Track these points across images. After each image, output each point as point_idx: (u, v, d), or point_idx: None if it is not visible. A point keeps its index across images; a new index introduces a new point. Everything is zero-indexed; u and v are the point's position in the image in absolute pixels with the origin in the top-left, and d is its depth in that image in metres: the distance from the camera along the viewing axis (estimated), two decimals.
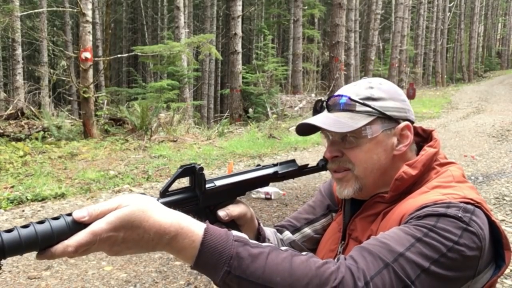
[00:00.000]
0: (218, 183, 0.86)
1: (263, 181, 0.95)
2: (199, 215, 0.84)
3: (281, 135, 9.15)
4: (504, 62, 41.64)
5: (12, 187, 5.08)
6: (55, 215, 0.66)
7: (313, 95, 16.34)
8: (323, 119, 0.95)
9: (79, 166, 6.19)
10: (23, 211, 4.39)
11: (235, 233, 0.72)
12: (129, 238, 0.67)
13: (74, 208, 4.51)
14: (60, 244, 0.64)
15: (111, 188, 5.24)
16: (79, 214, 0.66)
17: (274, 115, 12.03)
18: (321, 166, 1.01)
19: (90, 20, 8.02)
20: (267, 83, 13.37)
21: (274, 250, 0.72)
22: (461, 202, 0.81)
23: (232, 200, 0.91)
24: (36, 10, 13.70)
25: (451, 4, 30.73)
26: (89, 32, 7.87)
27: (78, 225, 0.65)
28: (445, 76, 29.79)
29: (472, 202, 0.82)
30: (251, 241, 0.72)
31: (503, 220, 3.96)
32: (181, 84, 12.08)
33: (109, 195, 4.98)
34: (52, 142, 7.36)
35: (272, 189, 4.92)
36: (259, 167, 0.97)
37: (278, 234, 1.19)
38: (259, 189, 4.89)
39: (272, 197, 4.79)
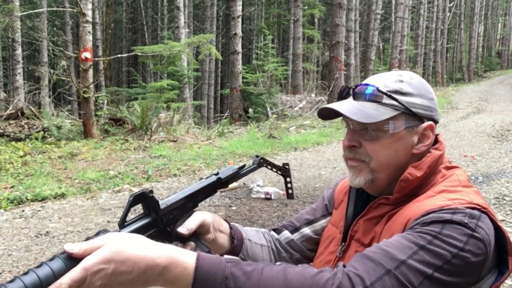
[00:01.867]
0: (170, 201, 0.88)
1: (211, 189, 0.98)
2: (162, 237, 0.85)
3: (281, 135, 9.15)
4: (504, 62, 41.63)
5: (12, 187, 5.09)
6: (51, 258, 0.67)
7: (313, 95, 16.34)
8: (347, 106, 0.93)
9: (79, 166, 6.19)
10: (23, 211, 4.39)
11: (227, 256, 0.73)
12: (119, 271, 0.66)
13: (74, 208, 4.51)
14: (53, 284, 0.63)
15: (111, 188, 5.24)
16: (70, 247, 0.67)
17: (274, 115, 12.03)
18: (257, 164, 1.08)
19: (90, 20, 8.02)
20: (267, 83, 13.38)
21: (268, 265, 0.72)
22: (467, 207, 0.80)
23: (189, 214, 0.91)
24: (36, 10, 13.70)
25: (451, 4, 30.72)
26: (89, 32, 7.87)
27: (73, 262, 0.66)
28: (445, 76, 29.78)
29: (478, 207, 0.81)
30: (244, 261, 0.73)
31: (503, 220, 3.96)
32: (181, 84, 12.08)
33: (109, 195, 4.99)
34: (52, 142, 7.36)
35: (272, 189, 4.92)
36: (203, 179, 0.99)
37: (275, 234, 1.18)
38: (259, 189, 4.92)
39: (272, 197, 4.79)
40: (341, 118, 0.97)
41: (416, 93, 0.92)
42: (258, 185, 5.02)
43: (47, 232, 3.82)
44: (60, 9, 14.55)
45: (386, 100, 0.91)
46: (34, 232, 3.82)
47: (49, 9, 15.51)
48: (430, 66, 28.55)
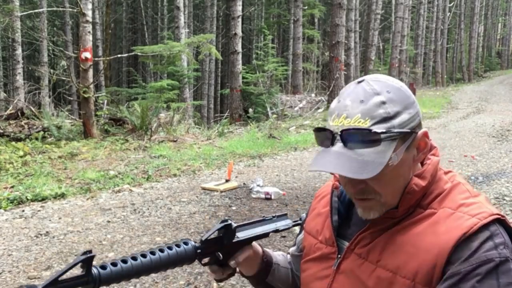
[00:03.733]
0: (240, 235, 1.00)
1: (268, 233, 1.08)
2: (215, 260, 0.98)
3: (281, 135, 9.15)
4: (504, 62, 41.65)
5: (12, 187, 5.09)
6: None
7: (313, 95, 16.35)
8: (346, 163, 0.82)
9: (79, 166, 6.19)
10: (23, 211, 4.39)
11: None
12: None
13: (74, 208, 4.51)
14: None
15: (111, 188, 5.24)
16: None
17: (274, 115, 12.04)
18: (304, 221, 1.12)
19: (90, 20, 8.02)
20: (267, 83, 13.38)
21: None
22: (492, 220, 0.82)
23: (243, 248, 1.03)
24: (36, 10, 13.71)
25: (451, 4, 30.72)
26: (89, 32, 7.87)
27: None
28: (445, 76, 29.79)
29: (499, 216, 0.83)
30: None
31: None
32: (181, 84, 12.08)
33: (109, 195, 4.99)
34: (52, 142, 7.36)
35: (272, 189, 4.92)
36: (272, 218, 1.09)
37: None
38: (259, 189, 4.92)
39: (272, 197, 4.79)
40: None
41: (402, 108, 0.85)
42: (258, 185, 5.02)
43: (47, 232, 3.82)
44: (60, 9, 14.55)
45: (382, 135, 0.82)
46: (34, 232, 3.82)
47: (49, 9, 15.51)
48: (430, 66, 28.56)
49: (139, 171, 6.05)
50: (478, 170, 6.00)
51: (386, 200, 0.88)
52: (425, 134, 0.90)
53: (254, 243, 1.07)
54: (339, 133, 0.84)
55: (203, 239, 0.92)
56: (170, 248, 0.87)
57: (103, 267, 0.79)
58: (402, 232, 0.88)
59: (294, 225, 1.13)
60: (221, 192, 5.06)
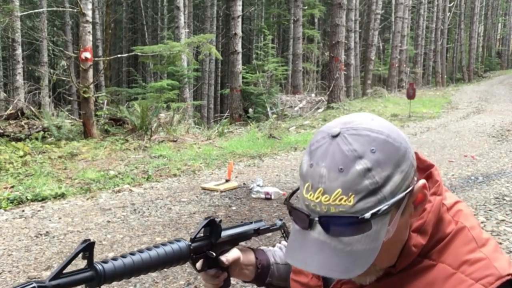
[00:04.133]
0: (226, 234, 1.00)
1: (251, 235, 1.09)
2: (208, 261, 0.97)
3: (281, 135, 9.15)
4: (504, 62, 41.65)
5: (12, 187, 5.09)
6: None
7: (313, 95, 16.35)
8: (332, 259, 0.67)
9: (79, 166, 6.19)
10: (23, 211, 4.39)
11: None
12: None
13: (74, 208, 4.51)
14: None
15: (111, 188, 5.24)
16: None
17: (274, 115, 12.04)
18: (279, 227, 1.14)
19: (90, 20, 8.02)
20: (267, 83, 13.39)
21: None
22: (501, 283, 0.70)
23: (229, 249, 1.01)
24: (36, 10, 13.71)
25: (451, 4, 30.72)
26: (89, 32, 7.87)
27: None
28: (445, 76, 29.79)
29: (510, 278, 0.71)
30: None
31: (503, 220, 3.97)
32: (181, 84, 12.08)
33: (109, 195, 4.99)
34: (52, 142, 7.36)
35: (272, 189, 4.92)
36: (250, 224, 1.10)
37: None
38: (259, 189, 4.92)
39: (272, 197, 4.79)
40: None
41: (392, 169, 0.67)
42: (258, 185, 5.02)
43: (47, 232, 3.82)
44: (60, 9, 14.55)
45: (373, 219, 0.66)
46: (34, 232, 3.82)
47: (49, 9, 15.51)
48: (430, 66, 28.56)
49: (139, 171, 6.06)
50: (478, 170, 6.00)
51: (383, 266, 0.75)
52: (424, 187, 0.73)
53: (246, 253, 1.05)
54: (317, 218, 0.68)
55: (193, 237, 0.92)
56: (165, 245, 0.87)
57: (105, 262, 0.79)
58: (393, 280, 0.76)
59: (272, 227, 1.15)
60: (221, 192, 5.06)
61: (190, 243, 0.91)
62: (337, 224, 0.66)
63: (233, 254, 0.99)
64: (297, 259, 0.70)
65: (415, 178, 0.72)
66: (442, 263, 0.74)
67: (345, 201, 0.65)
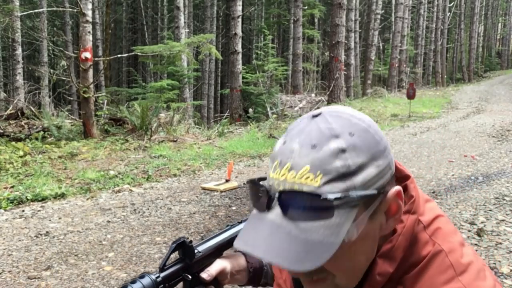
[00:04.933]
0: (203, 251, 0.96)
1: (233, 239, 1.06)
2: (192, 283, 0.94)
3: (281, 135, 9.14)
4: (504, 62, 41.66)
5: (12, 187, 5.09)
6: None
7: (313, 95, 16.35)
8: (283, 244, 0.59)
9: (79, 166, 6.19)
10: (23, 211, 4.39)
11: None
12: None
13: (74, 208, 4.51)
14: None
15: (111, 188, 5.24)
16: None
17: (274, 115, 12.04)
18: None
19: (90, 20, 8.02)
20: (267, 83, 13.39)
21: None
22: None
23: (211, 261, 0.98)
24: (36, 10, 13.70)
25: (451, 4, 30.73)
26: (89, 32, 7.87)
27: None
28: (445, 76, 29.80)
29: None
30: None
31: (503, 220, 3.96)
32: (181, 84, 12.08)
33: (109, 195, 4.99)
34: (52, 142, 7.36)
35: None
36: (230, 227, 1.05)
37: None
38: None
39: None
40: None
41: (367, 158, 0.61)
42: None
43: (47, 232, 3.82)
44: (60, 9, 14.55)
45: (337, 202, 0.59)
46: (34, 232, 3.82)
47: (49, 9, 15.51)
48: (430, 66, 28.56)
49: (139, 171, 6.06)
50: (478, 170, 6.00)
51: (341, 281, 0.65)
52: (398, 194, 0.65)
53: (235, 258, 1.03)
54: (277, 194, 0.61)
55: (160, 266, 0.88)
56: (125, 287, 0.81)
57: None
58: None
59: None
60: (221, 192, 5.06)
61: (157, 275, 0.86)
62: (297, 202, 0.59)
63: (215, 267, 0.94)
64: (246, 242, 0.63)
65: (392, 185, 0.66)
66: None
67: (311, 180, 0.58)
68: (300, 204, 0.59)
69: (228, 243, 1.01)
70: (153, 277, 0.85)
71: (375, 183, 0.61)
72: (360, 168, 0.60)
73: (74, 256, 3.32)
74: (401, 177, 0.73)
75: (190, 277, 0.92)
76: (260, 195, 0.64)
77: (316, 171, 0.59)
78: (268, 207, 0.62)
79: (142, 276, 0.84)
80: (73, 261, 3.23)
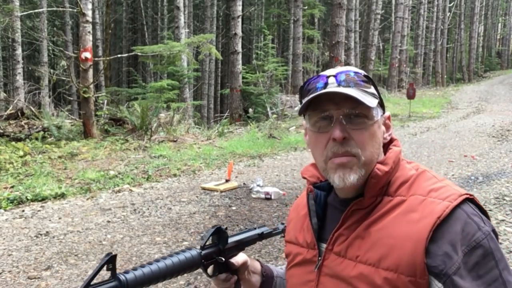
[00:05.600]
0: (233, 240, 1.07)
1: (255, 240, 1.16)
2: (219, 266, 1.04)
3: (281, 135, 9.15)
4: (504, 62, 41.64)
5: (12, 187, 5.09)
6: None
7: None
8: (346, 90, 0.86)
9: (79, 166, 6.19)
10: (23, 211, 4.39)
11: None
12: None
13: (74, 208, 4.51)
14: None
15: (111, 188, 5.24)
16: None
17: (274, 115, 12.03)
18: (281, 230, 1.20)
19: (90, 20, 8.02)
20: (267, 83, 13.37)
21: None
22: (462, 200, 0.84)
23: (236, 254, 1.08)
24: (36, 10, 13.70)
25: (451, 4, 30.72)
26: (89, 32, 7.87)
27: None
28: (445, 76, 29.79)
29: (468, 195, 0.85)
30: None
31: (503, 220, 3.96)
32: (181, 84, 12.08)
33: (109, 195, 4.99)
34: (52, 142, 7.36)
35: (272, 189, 4.92)
36: (255, 228, 1.17)
37: None
38: (259, 189, 4.91)
39: (272, 197, 4.79)
40: (312, 113, 0.91)
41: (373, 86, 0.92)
42: (258, 185, 5.02)
43: (47, 232, 3.82)
44: (60, 9, 14.55)
45: (368, 87, 0.89)
46: (34, 232, 3.82)
47: (49, 9, 15.51)
48: (430, 66, 28.55)
49: (139, 171, 6.05)
50: (478, 170, 6.00)
51: (365, 159, 0.88)
52: (389, 117, 0.96)
53: (252, 260, 1.12)
54: (334, 74, 0.89)
55: (202, 245, 0.98)
56: (178, 254, 0.93)
57: (127, 272, 0.86)
58: (376, 223, 0.87)
59: (274, 231, 1.19)
60: (221, 192, 5.06)
61: (200, 250, 0.97)
62: (349, 77, 0.89)
63: (241, 257, 1.06)
64: (324, 91, 0.88)
65: (390, 119, 0.97)
66: (412, 195, 0.87)
67: (359, 79, 0.90)
68: (351, 78, 0.89)
69: (250, 241, 1.13)
70: (199, 251, 0.96)
71: (380, 98, 0.92)
72: (372, 85, 0.92)
73: (74, 256, 3.32)
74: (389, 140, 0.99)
75: (223, 259, 1.01)
76: (315, 84, 0.91)
77: (353, 75, 0.91)
78: (325, 87, 0.89)
79: (190, 248, 0.95)
80: (73, 261, 3.23)
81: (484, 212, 0.86)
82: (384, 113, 0.94)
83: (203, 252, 0.97)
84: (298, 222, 1.05)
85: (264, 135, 9.13)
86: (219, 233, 1.01)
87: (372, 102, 0.86)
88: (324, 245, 0.94)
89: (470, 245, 0.79)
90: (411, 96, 12.41)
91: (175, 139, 8.25)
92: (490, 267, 0.79)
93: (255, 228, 1.17)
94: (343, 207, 0.92)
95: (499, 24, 45.53)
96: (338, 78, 0.88)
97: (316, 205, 0.99)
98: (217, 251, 1.01)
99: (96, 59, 9.55)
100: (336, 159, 0.88)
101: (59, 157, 6.49)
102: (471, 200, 0.85)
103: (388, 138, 0.95)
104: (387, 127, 0.96)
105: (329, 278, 0.91)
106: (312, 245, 0.97)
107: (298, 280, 0.99)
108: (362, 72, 0.92)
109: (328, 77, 0.89)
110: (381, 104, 0.93)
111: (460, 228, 0.80)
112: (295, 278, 1.00)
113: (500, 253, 0.81)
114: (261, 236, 1.16)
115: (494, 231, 0.83)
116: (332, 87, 0.87)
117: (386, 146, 0.96)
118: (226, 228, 1.02)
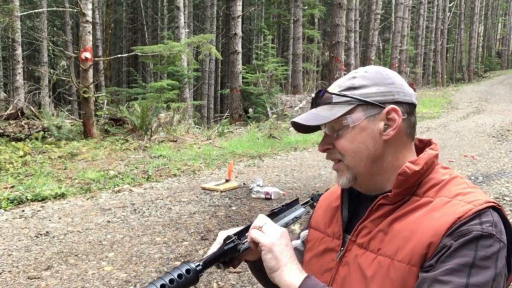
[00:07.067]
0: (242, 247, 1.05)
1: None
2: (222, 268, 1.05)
3: (281, 135, 9.15)
4: (504, 62, 41.62)
5: (12, 187, 5.09)
6: None
7: (313, 95, 16.32)
8: (305, 116, 0.97)
9: (79, 166, 6.19)
10: (23, 211, 4.39)
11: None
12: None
13: (74, 208, 4.51)
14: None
15: (111, 188, 5.24)
16: None
17: (274, 115, 12.03)
18: (312, 198, 1.20)
19: (90, 20, 8.02)
20: (267, 83, 13.37)
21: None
22: (487, 206, 0.84)
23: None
24: (36, 10, 13.71)
25: (451, 4, 30.72)
26: (89, 32, 7.87)
27: None
28: (445, 76, 29.78)
29: (495, 204, 0.85)
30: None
31: None
32: (181, 84, 12.07)
33: (109, 195, 4.99)
34: (52, 142, 7.36)
35: (272, 189, 4.92)
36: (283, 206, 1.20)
37: None
38: (259, 189, 4.91)
39: (272, 197, 4.79)
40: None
41: (370, 83, 0.93)
42: (258, 185, 5.02)
43: (47, 232, 3.82)
44: (60, 9, 14.55)
45: (336, 99, 0.94)
46: (34, 232, 3.82)
47: (49, 9, 15.51)
48: (430, 66, 28.55)
49: (139, 171, 6.05)
50: (478, 170, 6.00)
51: (349, 163, 0.95)
52: (393, 110, 0.92)
53: None
54: (316, 96, 1.01)
55: (206, 261, 0.95)
56: (180, 276, 0.89)
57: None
58: (400, 219, 0.89)
59: (308, 203, 1.19)
60: (221, 192, 5.06)
61: (199, 268, 0.93)
62: (319, 98, 0.98)
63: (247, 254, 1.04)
64: (293, 121, 0.99)
65: (397, 112, 0.92)
66: (439, 197, 0.89)
67: (333, 89, 0.97)
68: (320, 99, 0.98)
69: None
70: (194, 265, 0.93)
71: (373, 97, 0.93)
72: (361, 87, 0.94)
73: (74, 256, 3.32)
74: (424, 142, 1.02)
75: (222, 266, 1.02)
76: (312, 104, 1.01)
77: (335, 86, 0.97)
78: (312, 107, 1.01)
79: (188, 271, 0.91)
80: (73, 261, 3.23)
81: (507, 225, 0.85)
82: (378, 112, 0.92)
83: (202, 268, 0.94)
84: (328, 212, 1.09)
85: (264, 135, 9.13)
86: (231, 248, 0.99)
87: (333, 114, 0.93)
88: (348, 236, 0.98)
89: (462, 232, 0.80)
90: None
91: (175, 139, 8.25)
92: (464, 255, 0.79)
93: (282, 208, 1.18)
94: (372, 202, 0.96)
95: (499, 24, 45.52)
96: (317, 101, 0.99)
97: (349, 198, 1.03)
98: (223, 259, 0.99)
99: (96, 59, 9.55)
100: (333, 166, 1.00)
101: (59, 157, 6.49)
102: (497, 210, 0.86)
103: (392, 133, 0.92)
104: (390, 122, 0.93)
105: (347, 268, 0.94)
106: (337, 235, 1.01)
107: (318, 268, 1.01)
108: (345, 83, 0.96)
109: (313, 98, 1.01)
110: (373, 103, 0.92)
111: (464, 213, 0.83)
112: (315, 266, 1.03)
113: (486, 255, 0.79)
114: (287, 225, 1.16)
115: (507, 246, 0.82)
116: (310, 111, 1.00)
117: (424, 148, 0.98)
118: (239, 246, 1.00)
